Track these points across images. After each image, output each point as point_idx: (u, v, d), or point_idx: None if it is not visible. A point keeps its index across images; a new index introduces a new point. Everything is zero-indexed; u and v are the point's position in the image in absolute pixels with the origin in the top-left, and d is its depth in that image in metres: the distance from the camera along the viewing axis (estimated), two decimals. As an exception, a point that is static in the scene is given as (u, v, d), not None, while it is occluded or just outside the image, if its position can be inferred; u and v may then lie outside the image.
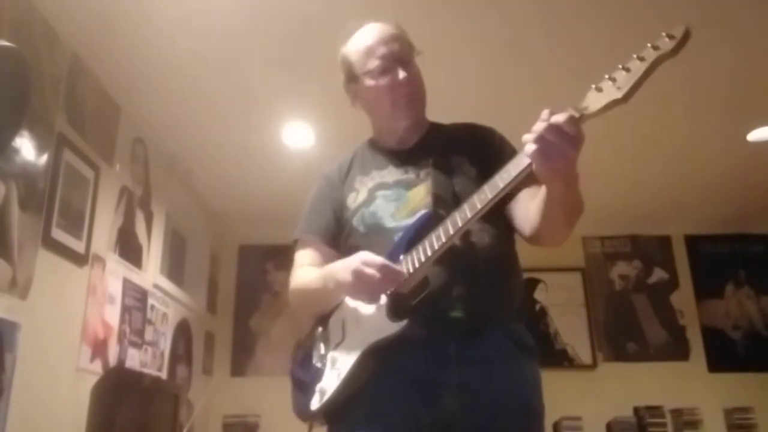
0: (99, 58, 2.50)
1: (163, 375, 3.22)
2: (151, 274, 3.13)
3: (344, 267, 1.17)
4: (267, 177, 3.62)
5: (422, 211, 1.21)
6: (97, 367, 2.48)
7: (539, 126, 0.98)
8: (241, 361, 4.22)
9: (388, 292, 1.15)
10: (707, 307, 4.39)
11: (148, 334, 3.04)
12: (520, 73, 2.70)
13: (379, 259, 1.13)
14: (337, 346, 1.24)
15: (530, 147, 0.98)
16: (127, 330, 2.79)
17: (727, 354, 4.27)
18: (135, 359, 2.86)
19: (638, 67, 0.93)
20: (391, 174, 1.34)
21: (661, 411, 3.98)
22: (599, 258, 4.54)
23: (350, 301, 1.25)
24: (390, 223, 1.26)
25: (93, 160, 2.52)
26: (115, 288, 2.70)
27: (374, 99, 1.37)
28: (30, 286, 2.04)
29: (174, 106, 2.91)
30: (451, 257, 1.15)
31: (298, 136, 3.20)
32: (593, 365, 4.25)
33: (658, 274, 4.50)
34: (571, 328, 4.33)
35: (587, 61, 2.46)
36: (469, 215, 1.08)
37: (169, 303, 3.37)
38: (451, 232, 1.10)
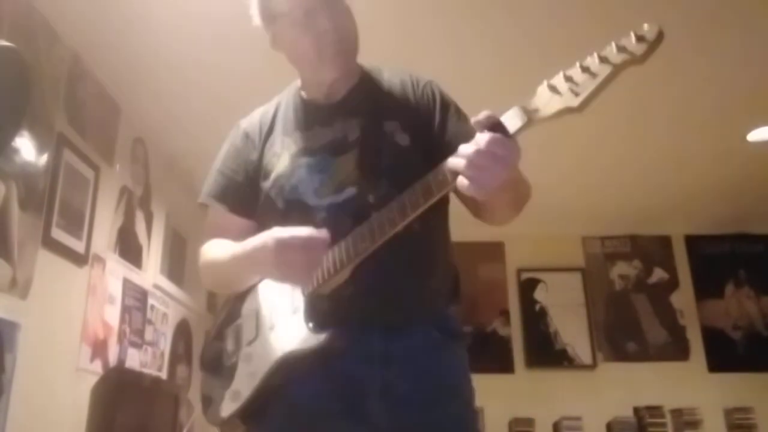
0: (99, 58, 2.49)
1: (163, 375, 3.22)
2: (151, 274, 3.12)
3: (262, 246, 1.04)
4: (267, 177, 3.60)
5: (345, 196, 1.10)
6: (97, 367, 2.47)
7: (468, 152, 0.90)
8: (241, 361, 4.21)
9: (308, 292, 1.07)
10: (707, 307, 4.39)
11: (148, 334, 3.04)
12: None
13: (301, 233, 1.02)
14: (250, 343, 1.12)
15: (459, 174, 0.91)
16: (127, 330, 2.79)
17: (727, 354, 4.27)
18: (135, 359, 2.86)
19: (599, 71, 0.82)
20: (317, 136, 1.19)
21: (661, 411, 3.98)
22: (599, 258, 4.54)
23: (265, 290, 1.14)
24: (313, 201, 1.13)
25: (93, 160, 2.52)
26: (115, 288, 2.70)
27: (296, 48, 1.21)
28: (30, 286, 2.04)
29: (174, 106, 2.91)
30: (376, 252, 1.02)
31: (298, 136, 3.18)
32: (593, 365, 4.24)
33: (658, 274, 4.49)
34: (571, 328, 4.33)
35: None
36: (397, 221, 0.99)
37: (169, 303, 3.37)
38: (377, 238, 1.01)
